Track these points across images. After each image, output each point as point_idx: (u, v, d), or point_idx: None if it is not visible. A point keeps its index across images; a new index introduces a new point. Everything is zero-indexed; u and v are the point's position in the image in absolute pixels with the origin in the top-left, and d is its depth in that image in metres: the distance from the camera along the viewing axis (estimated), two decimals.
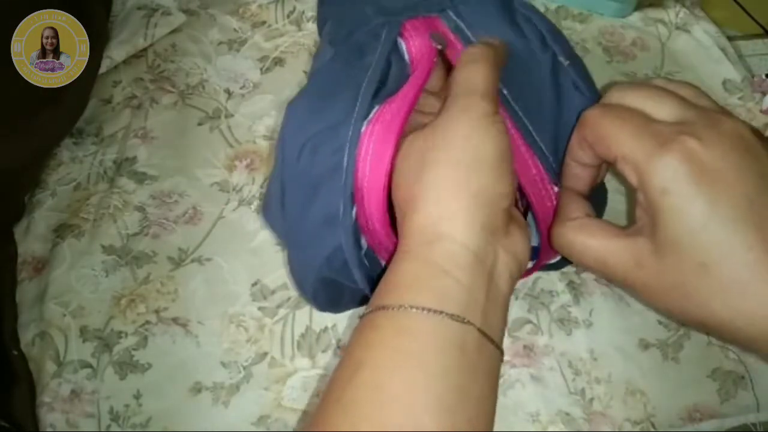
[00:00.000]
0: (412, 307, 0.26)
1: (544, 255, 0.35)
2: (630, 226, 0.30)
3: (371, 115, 0.31)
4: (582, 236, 0.30)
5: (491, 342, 0.27)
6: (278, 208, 0.33)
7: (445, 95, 0.32)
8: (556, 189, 0.33)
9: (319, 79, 0.34)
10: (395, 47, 0.33)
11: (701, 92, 0.31)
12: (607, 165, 0.33)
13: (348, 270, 0.32)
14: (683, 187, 0.26)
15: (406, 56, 0.33)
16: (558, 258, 0.36)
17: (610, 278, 0.30)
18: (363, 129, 0.30)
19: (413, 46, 0.33)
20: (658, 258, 0.27)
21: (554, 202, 0.33)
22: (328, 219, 0.31)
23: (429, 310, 0.26)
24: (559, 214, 0.33)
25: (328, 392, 0.26)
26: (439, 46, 0.33)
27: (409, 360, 0.25)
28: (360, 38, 0.34)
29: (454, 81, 0.31)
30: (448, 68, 0.34)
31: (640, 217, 0.29)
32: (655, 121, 0.28)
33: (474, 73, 0.30)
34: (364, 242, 0.33)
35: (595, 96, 0.34)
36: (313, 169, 0.31)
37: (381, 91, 0.32)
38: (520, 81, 0.33)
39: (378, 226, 0.31)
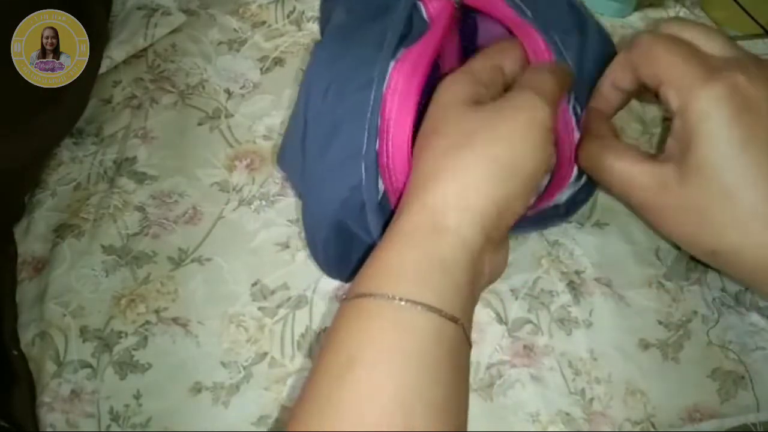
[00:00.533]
0: (413, 302, 0.25)
1: (558, 183, 0.36)
2: (654, 154, 0.31)
3: (398, 55, 0.31)
4: (610, 156, 0.31)
5: (469, 342, 0.27)
6: (298, 150, 0.33)
7: (507, 80, 0.32)
8: (572, 114, 0.34)
9: (342, 28, 0.34)
10: (415, 8, 0.34)
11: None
12: (641, 92, 0.33)
13: (363, 216, 0.31)
14: (724, 114, 0.27)
15: (425, 16, 0.34)
16: (566, 196, 0.37)
17: (629, 200, 0.31)
18: (391, 65, 0.31)
19: (432, 7, 0.34)
20: (683, 182, 0.28)
21: (572, 127, 0.34)
22: (350, 155, 0.31)
23: (430, 307, 0.25)
24: (587, 133, 0.33)
25: (316, 387, 0.25)
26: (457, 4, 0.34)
27: (408, 360, 0.25)
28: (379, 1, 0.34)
29: (527, 76, 0.31)
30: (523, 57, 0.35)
31: (671, 146, 0.29)
32: (705, 53, 0.29)
33: (549, 79, 0.30)
34: (381, 186, 0.33)
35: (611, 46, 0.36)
36: (339, 107, 0.31)
37: (405, 41, 0.32)
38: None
39: (399, 163, 0.31)
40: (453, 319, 0.26)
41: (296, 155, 0.34)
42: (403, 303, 0.25)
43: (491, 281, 0.31)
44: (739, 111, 0.27)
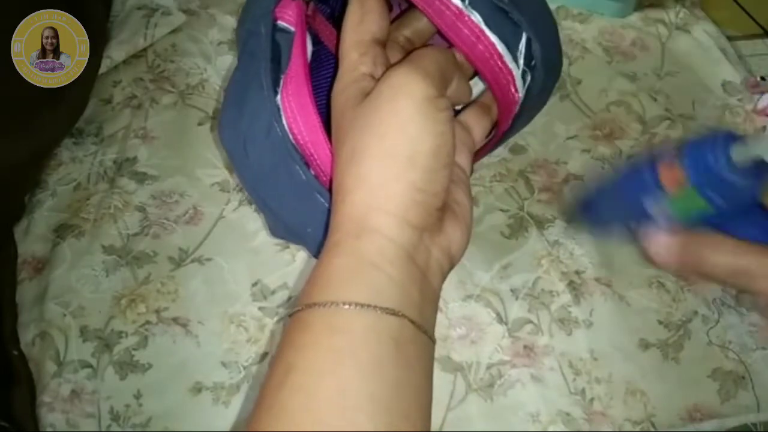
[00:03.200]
0: (343, 303, 0.25)
1: (501, 130, 0.35)
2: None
3: (281, 84, 0.32)
4: (722, 254, 0.29)
5: (425, 333, 0.26)
6: (267, 211, 0.35)
7: (401, 41, 0.31)
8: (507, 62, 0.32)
9: (230, 90, 0.35)
10: (278, 29, 0.34)
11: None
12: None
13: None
14: None
15: (291, 28, 0.34)
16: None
17: (747, 289, 0.29)
18: (279, 97, 0.31)
19: (289, 15, 0.34)
20: None
21: (508, 76, 0.32)
22: (300, 190, 0.31)
23: (361, 305, 0.25)
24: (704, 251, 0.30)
25: (260, 399, 0.25)
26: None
27: (341, 359, 0.24)
28: (250, 43, 0.35)
29: (409, 56, 0.29)
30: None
31: None
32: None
33: (424, 53, 0.28)
34: None
35: None
36: (263, 156, 0.32)
37: (281, 66, 0.33)
38: None
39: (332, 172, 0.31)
40: (392, 313, 0.25)
41: (266, 211, 0.35)
42: (333, 307, 0.25)
43: (456, 257, 0.29)
44: None
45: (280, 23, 0.34)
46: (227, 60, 0.51)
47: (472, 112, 0.34)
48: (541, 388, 0.38)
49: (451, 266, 0.29)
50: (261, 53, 0.33)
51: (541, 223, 0.43)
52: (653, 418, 0.37)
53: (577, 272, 0.41)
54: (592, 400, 0.38)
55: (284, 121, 0.31)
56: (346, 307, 0.25)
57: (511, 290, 0.41)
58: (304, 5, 0.34)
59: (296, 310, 0.26)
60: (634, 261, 0.42)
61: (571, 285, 0.41)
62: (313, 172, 0.31)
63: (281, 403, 0.24)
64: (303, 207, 0.32)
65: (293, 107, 0.31)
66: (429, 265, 0.28)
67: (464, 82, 0.31)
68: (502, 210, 0.43)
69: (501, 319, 0.40)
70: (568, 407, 0.37)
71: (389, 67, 0.30)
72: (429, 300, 0.27)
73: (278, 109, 0.31)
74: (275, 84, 0.32)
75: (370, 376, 0.24)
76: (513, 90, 0.33)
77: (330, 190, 0.31)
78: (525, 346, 0.39)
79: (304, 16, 0.34)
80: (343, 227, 0.27)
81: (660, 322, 0.40)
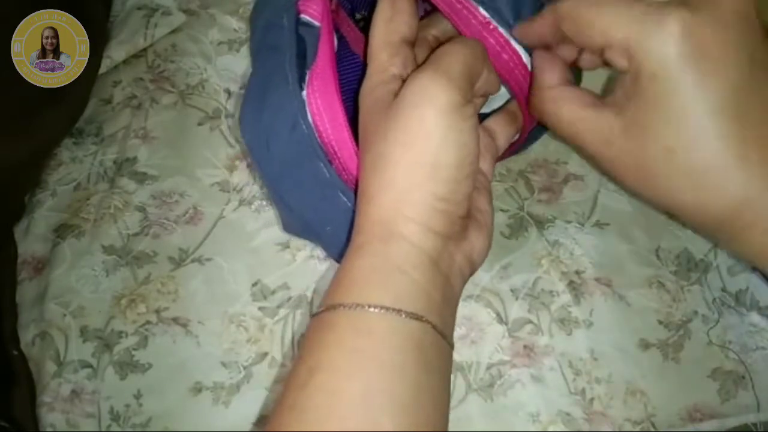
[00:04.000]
0: (369, 305, 0.25)
1: (523, 137, 0.35)
2: (606, 96, 0.28)
3: (306, 80, 0.31)
4: (556, 107, 0.29)
5: (445, 339, 0.27)
6: (283, 207, 0.34)
7: (429, 40, 0.31)
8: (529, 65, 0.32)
9: (251, 82, 0.34)
10: (301, 23, 0.33)
11: None
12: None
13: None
14: (672, 71, 0.25)
15: (315, 23, 0.33)
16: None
17: (582, 152, 0.29)
18: (304, 92, 0.31)
19: (313, 10, 0.33)
20: (626, 137, 0.27)
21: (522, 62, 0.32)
22: (322, 187, 0.31)
23: (387, 308, 0.25)
24: (534, 81, 0.31)
25: (282, 398, 0.25)
26: None
27: (366, 361, 0.24)
28: (271, 36, 0.34)
29: (433, 54, 0.28)
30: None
31: (617, 94, 0.27)
32: None
33: (449, 50, 0.28)
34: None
35: None
36: (286, 152, 0.31)
37: (305, 61, 0.32)
38: None
39: (357, 173, 0.31)
40: (416, 317, 0.25)
41: (285, 211, 0.35)
42: (358, 309, 0.25)
43: (477, 263, 0.30)
44: (688, 64, 0.24)
45: (304, 17, 0.33)
46: (227, 60, 0.51)
47: (498, 119, 0.34)
48: (541, 388, 0.38)
49: (472, 271, 0.29)
50: (285, 46, 0.32)
51: (541, 223, 0.43)
52: (653, 418, 0.37)
53: (577, 272, 0.41)
54: (592, 400, 0.38)
55: (309, 118, 0.31)
56: (372, 309, 0.25)
57: (511, 290, 0.41)
58: (329, 0, 0.33)
59: (320, 310, 0.26)
60: (634, 261, 0.42)
61: (571, 285, 0.41)
62: (335, 170, 0.31)
63: (304, 402, 0.24)
64: (324, 205, 0.32)
65: (319, 104, 0.31)
66: (452, 271, 0.28)
67: (493, 73, 0.30)
68: (502, 210, 0.43)
69: (501, 319, 0.40)
70: (568, 407, 0.37)
71: (417, 68, 0.29)
72: (450, 305, 0.28)
73: (303, 104, 0.31)
74: (300, 79, 0.31)
75: (392, 379, 0.24)
76: None
77: (354, 190, 0.31)
78: (525, 346, 0.39)
79: (329, 12, 0.33)
80: (369, 230, 0.27)
81: (660, 322, 0.40)
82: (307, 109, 0.31)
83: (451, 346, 0.27)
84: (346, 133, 0.30)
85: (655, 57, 0.25)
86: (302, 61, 0.32)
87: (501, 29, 0.31)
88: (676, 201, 0.27)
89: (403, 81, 0.29)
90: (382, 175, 0.27)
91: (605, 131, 0.27)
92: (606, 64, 0.28)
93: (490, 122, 0.34)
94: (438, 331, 0.26)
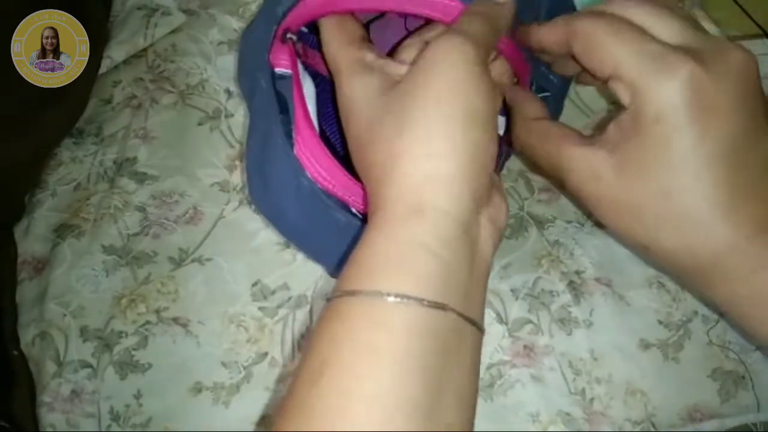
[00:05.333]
0: (387, 293, 0.23)
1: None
2: (592, 135, 0.29)
3: (293, 137, 0.32)
4: (544, 141, 0.29)
5: (472, 323, 0.25)
6: (309, 254, 0.36)
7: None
8: None
9: (249, 156, 0.34)
10: (278, 76, 0.34)
11: (700, 22, 0.29)
12: (586, 76, 0.31)
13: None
14: (677, 118, 0.25)
15: (290, 71, 0.34)
16: None
17: (564, 186, 0.29)
18: (295, 152, 0.31)
19: (284, 60, 0.34)
20: (619, 175, 0.27)
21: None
22: (344, 233, 0.32)
23: (407, 297, 0.23)
24: (518, 112, 0.31)
25: (290, 395, 0.24)
26: (291, 39, 0.33)
27: (380, 358, 0.23)
28: (255, 100, 0.35)
29: (456, 21, 0.28)
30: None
31: (612, 132, 0.28)
32: (657, 41, 0.26)
33: (466, 21, 0.28)
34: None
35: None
36: (299, 215, 0.32)
37: (290, 115, 0.33)
38: None
39: (340, 185, 0.31)
40: (440, 306, 0.23)
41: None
42: (375, 298, 0.23)
43: (502, 230, 0.28)
44: (693, 113, 0.25)
45: (278, 70, 0.34)
46: (227, 60, 0.51)
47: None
48: (541, 388, 0.38)
49: (499, 239, 0.28)
50: (269, 109, 0.32)
51: (541, 223, 0.43)
52: (653, 418, 0.37)
53: (577, 272, 0.41)
54: (592, 400, 0.38)
55: (308, 173, 0.31)
56: (390, 298, 0.23)
57: (511, 290, 0.41)
58: (294, 46, 0.34)
59: (335, 295, 0.24)
60: (634, 261, 0.42)
61: (571, 285, 0.41)
62: (354, 210, 0.31)
63: (313, 402, 0.23)
64: (350, 248, 0.32)
65: (309, 157, 0.31)
66: (480, 238, 0.26)
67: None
68: None
69: (501, 319, 0.40)
70: (568, 407, 0.37)
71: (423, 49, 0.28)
72: (478, 280, 0.26)
73: (297, 162, 0.31)
74: (289, 137, 0.31)
75: (410, 379, 0.22)
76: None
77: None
78: (525, 346, 0.39)
79: (296, 62, 0.33)
80: (391, 205, 0.25)
81: (660, 322, 0.40)
82: (303, 165, 0.31)
83: (481, 330, 0.26)
84: (343, 176, 0.31)
85: (663, 101, 0.25)
86: (287, 117, 0.32)
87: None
88: (660, 241, 0.27)
89: (390, 59, 0.29)
90: (412, 133, 0.25)
91: (595, 168, 0.28)
92: (601, 84, 0.29)
93: None
94: (465, 318, 0.24)
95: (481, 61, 0.26)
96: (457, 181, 0.25)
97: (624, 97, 0.27)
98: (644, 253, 0.29)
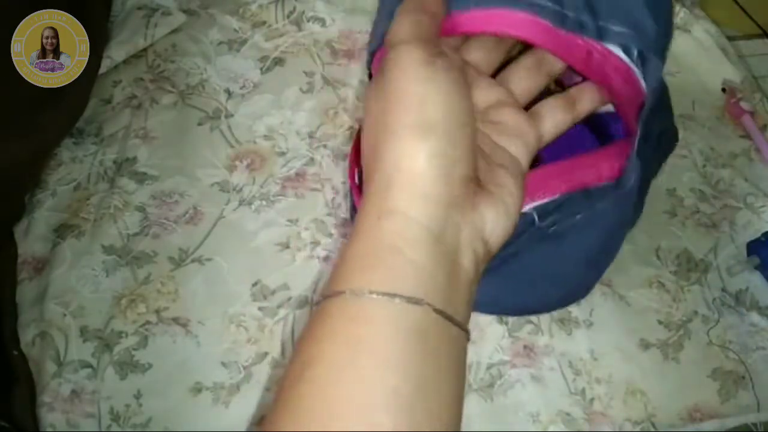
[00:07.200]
0: (362, 291, 0.24)
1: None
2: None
3: None
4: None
5: (455, 324, 0.25)
6: None
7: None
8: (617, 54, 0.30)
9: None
10: None
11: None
12: None
13: None
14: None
15: None
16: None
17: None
18: None
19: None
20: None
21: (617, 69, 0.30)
22: None
23: (381, 293, 0.24)
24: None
25: (278, 393, 0.24)
26: None
27: (360, 351, 0.23)
28: None
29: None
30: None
31: None
32: None
33: (397, 26, 0.28)
34: None
35: None
36: None
37: None
38: None
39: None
40: (414, 301, 0.24)
41: None
42: (352, 296, 0.24)
43: (491, 242, 0.28)
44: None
45: None
46: (227, 60, 0.51)
47: (550, 101, 0.32)
48: (541, 388, 0.38)
49: (488, 252, 0.27)
50: None
51: None
52: (653, 418, 0.37)
53: None
54: (592, 400, 0.38)
55: None
56: (366, 295, 0.24)
57: None
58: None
59: (318, 301, 0.25)
60: (634, 261, 0.42)
61: None
62: None
63: (298, 398, 0.23)
64: None
65: None
66: (459, 245, 0.26)
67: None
68: None
69: (501, 319, 0.40)
70: (568, 407, 0.37)
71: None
72: (459, 285, 0.26)
73: None
74: None
75: (391, 370, 0.23)
76: (632, 78, 0.31)
77: None
78: (525, 346, 0.39)
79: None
80: (366, 213, 0.26)
81: (660, 322, 0.40)
82: None
83: (465, 331, 0.26)
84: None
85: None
86: None
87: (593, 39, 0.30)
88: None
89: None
90: (374, 149, 0.26)
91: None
92: None
93: (540, 104, 0.32)
94: (444, 315, 0.24)
95: (427, 55, 0.26)
96: (414, 188, 0.25)
97: None
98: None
